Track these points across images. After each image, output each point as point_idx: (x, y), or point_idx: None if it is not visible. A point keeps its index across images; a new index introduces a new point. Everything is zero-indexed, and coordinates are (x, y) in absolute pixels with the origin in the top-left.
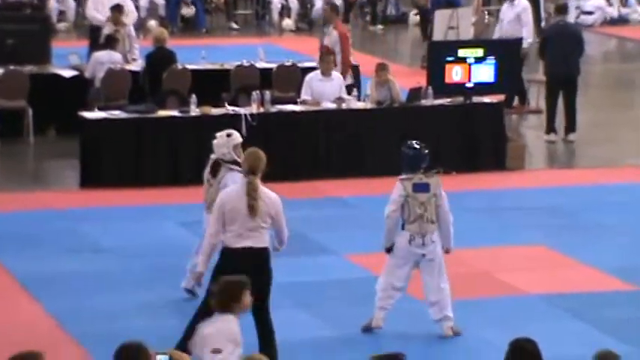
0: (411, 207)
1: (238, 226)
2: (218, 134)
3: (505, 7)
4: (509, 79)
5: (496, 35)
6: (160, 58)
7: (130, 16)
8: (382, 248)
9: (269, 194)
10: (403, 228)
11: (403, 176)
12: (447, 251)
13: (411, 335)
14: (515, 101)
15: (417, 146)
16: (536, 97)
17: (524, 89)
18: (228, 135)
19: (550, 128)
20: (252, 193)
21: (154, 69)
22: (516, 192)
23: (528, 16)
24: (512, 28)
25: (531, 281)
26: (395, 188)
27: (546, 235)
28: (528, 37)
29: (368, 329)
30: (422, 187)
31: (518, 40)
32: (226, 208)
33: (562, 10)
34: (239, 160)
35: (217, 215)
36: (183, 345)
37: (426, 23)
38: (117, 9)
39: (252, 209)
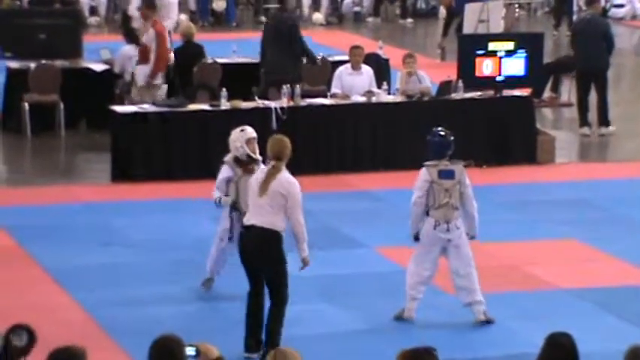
0: (436, 193)
1: (250, 204)
2: (232, 131)
3: None
4: (539, 72)
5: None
6: (188, 53)
7: (167, 16)
8: (411, 239)
9: (288, 178)
10: (428, 214)
11: (428, 163)
12: (471, 238)
13: (440, 328)
14: (547, 92)
15: (443, 133)
16: (568, 90)
17: (558, 77)
18: (242, 130)
19: (583, 122)
20: (269, 175)
21: (183, 63)
22: (547, 185)
23: None
24: None
25: (561, 275)
26: (420, 175)
27: (577, 228)
28: None
29: (399, 319)
30: (447, 174)
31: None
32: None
33: (590, 2)
34: (252, 155)
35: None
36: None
37: (450, 20)
38: (147, 4)
39: (262, 188)
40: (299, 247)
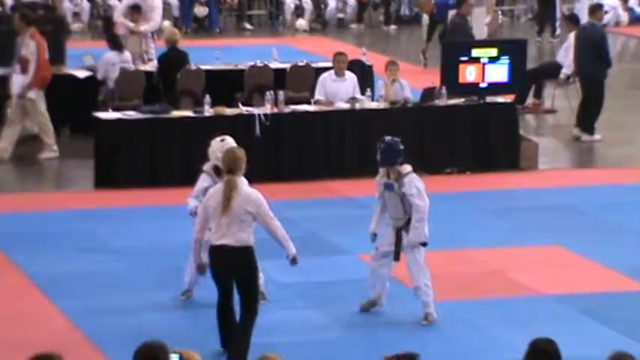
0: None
1: (217, 224)
2: (212, 141)
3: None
4: (522, 79)
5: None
6: (172, 59)
7: (151, 19)
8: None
9: (248, 192)
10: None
11: (410, 169)
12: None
13: (424, 334)
14: (530, 99)
15: (393, 141)
16: (552, 96)
17: (541, 83)
18: (222, 140)
19: (577, 123)
20: (227, 192)
21: (167, 70)
22: (530, 192)
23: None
24: (562, 57)
25: (545, 281)
26: (418, 182)
27: (560, 235)
28: (567, 70)
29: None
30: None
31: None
32: (207, 205)
33: (590, 11)
34: None
35: (201, 212)
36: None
37: (433, 26)
38: (134, 9)
39: (225, 207)
40: (286, 247)
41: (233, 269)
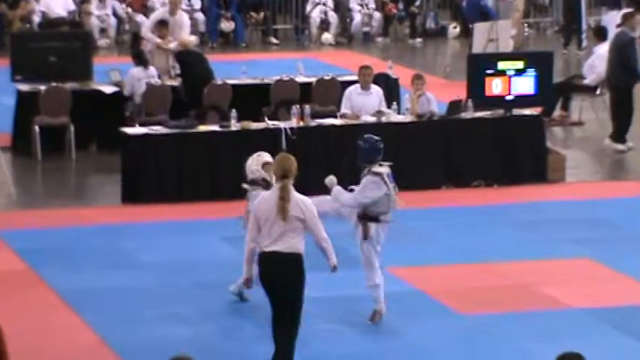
0: (392, 198)
1: (269, 230)
2: (249, 158)
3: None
4: (549, 91)
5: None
6: (187, 53)
7: (179, 36)
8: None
9: (302, 198)
10: (377, 219)
11: (375, 170)
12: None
13: (455, 349)
14: (558, 111)
15: (374, 139)
16: (579, 108)
17: (569, 96)
18: (258, 155)
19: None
20: (284, 197)
21: (184, 63)
22: (558, 204)
23: (599, 63)
24: (587, 71)
25: (575, 294)
26: (373, 183)
27: (590, 247)
28: (591, 82)
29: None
30: (393, 177)
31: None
32: (259, 213)
33: (625, 18)
34: (268, 178)
35: (252, 221)
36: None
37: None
38: (162, 25)
39: (283, 212)
40: (329, 257)
41: (283, 276)
